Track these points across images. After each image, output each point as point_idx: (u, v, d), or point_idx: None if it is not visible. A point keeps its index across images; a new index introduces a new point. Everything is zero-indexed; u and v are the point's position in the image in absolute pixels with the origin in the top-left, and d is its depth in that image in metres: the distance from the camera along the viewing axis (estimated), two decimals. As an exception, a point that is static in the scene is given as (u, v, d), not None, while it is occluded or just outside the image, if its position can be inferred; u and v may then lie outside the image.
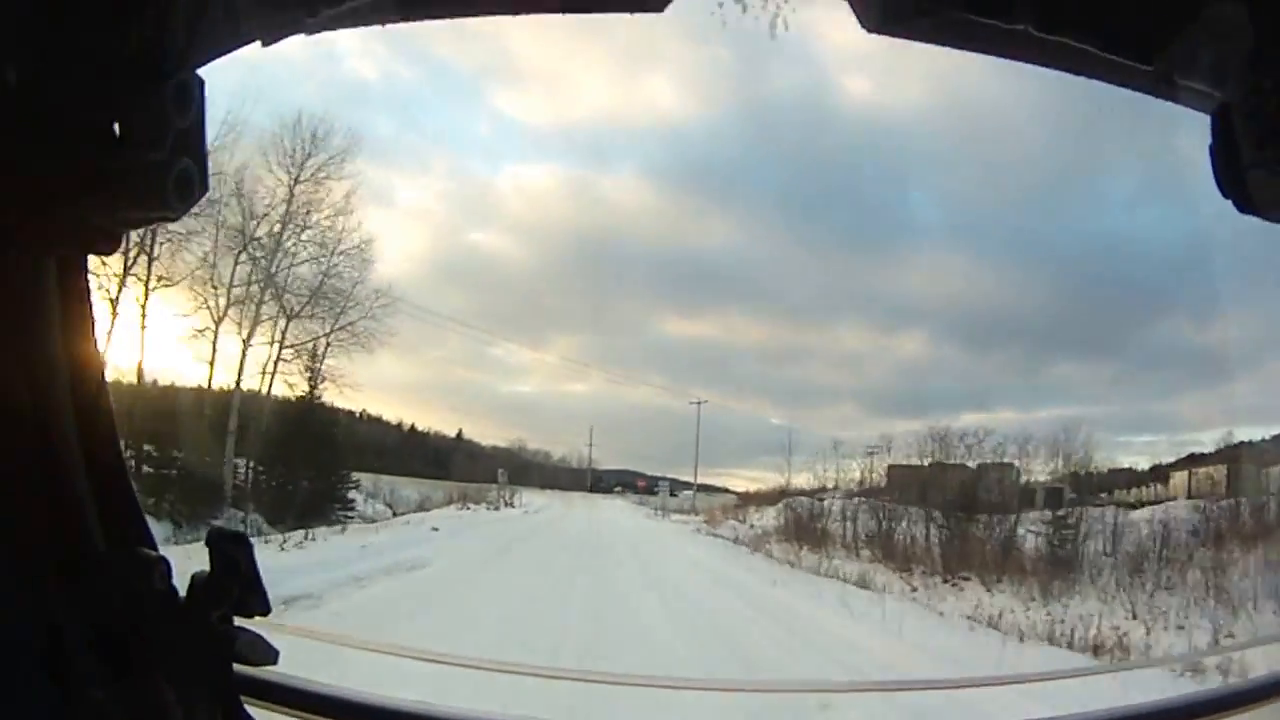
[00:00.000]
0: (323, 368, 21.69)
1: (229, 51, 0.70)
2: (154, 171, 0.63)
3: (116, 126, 0.62)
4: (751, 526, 26.80)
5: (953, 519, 16.91)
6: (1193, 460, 17.17)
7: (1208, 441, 16.23)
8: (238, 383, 20.00)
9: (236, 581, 0.77)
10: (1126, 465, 19.45)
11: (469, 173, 26.13)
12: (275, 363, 22.64)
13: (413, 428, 27.25)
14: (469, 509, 25.66)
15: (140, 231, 12.56)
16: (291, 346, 22.78)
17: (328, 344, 21.99)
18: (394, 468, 25.06)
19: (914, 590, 14.06)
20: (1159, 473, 18.67)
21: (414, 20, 0.90)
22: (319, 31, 0.75)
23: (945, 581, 14.74)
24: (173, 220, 0.72)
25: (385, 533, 17.29)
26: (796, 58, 20.71)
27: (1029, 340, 21.79)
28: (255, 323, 20.69)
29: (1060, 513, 16.43)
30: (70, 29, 0.60)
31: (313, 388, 21.24)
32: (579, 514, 28.35)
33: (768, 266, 25.31)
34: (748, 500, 29.26)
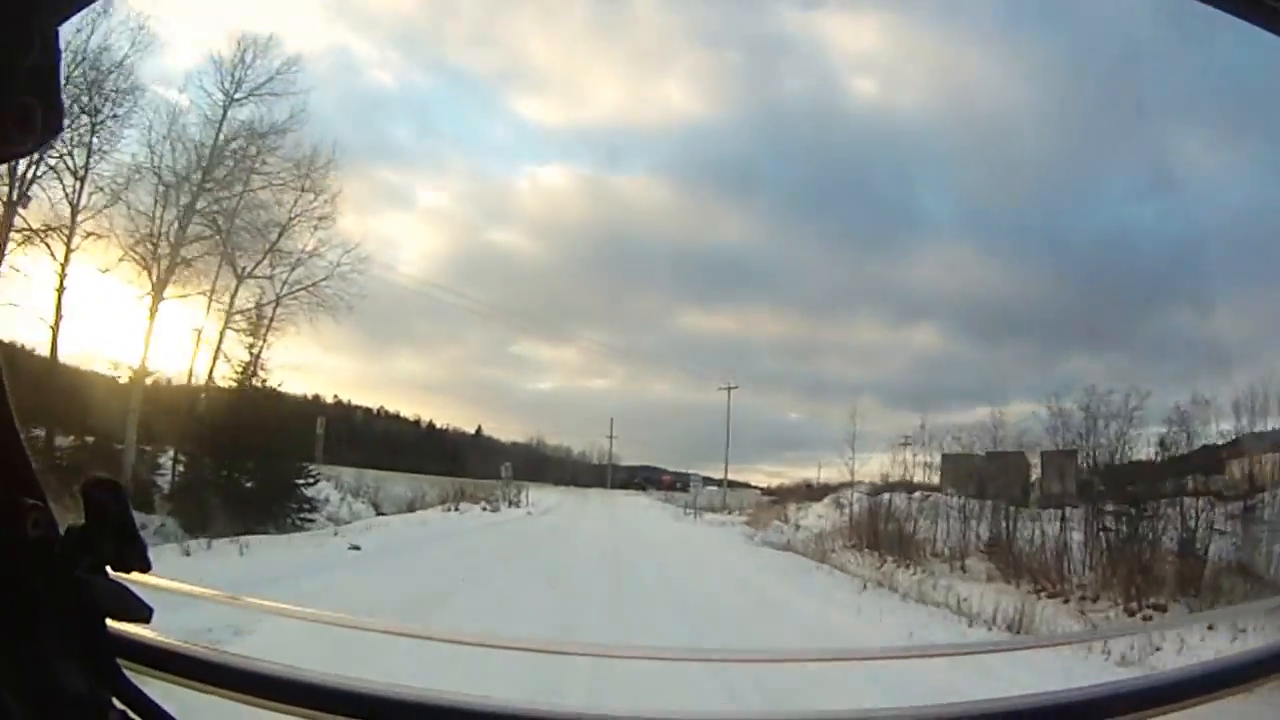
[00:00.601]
0: (270, 338, 17.44)
1: (83, 6, 0.75)
2: None
3: None
4: (798, 527, 22.66)
5: (1115, 517, 11.86)
6: (1207, 451, 15.67)
7: (1213, 435, 14.78)
8: (144, 355, 15.76)
9: (110, 533, 0.74)
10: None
11: (487, 174, 26.01)
12: (222, 335, 18.43)
13: (431, 425, 27.14)
14: (457, 510, 21.29)
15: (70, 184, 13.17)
16: (240, 313, 18.58)
17: (276, 306, 17.71)
18: (405, 464, 24.49)
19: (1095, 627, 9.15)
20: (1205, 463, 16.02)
21: None
22: None
23: (1131, 613, 9.81)
24: (25, 154, 0.77)
25: (309, 547, 12.88)
26: (806, 58, 21.43)
27: (1040, 333, 21.58)
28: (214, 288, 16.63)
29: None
30: None
31: (255, 359, 16.96)
32: (594, 516, 23.85)
33: (782, 262, 25.64)
34: (783, 496, 26.94)
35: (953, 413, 21.74)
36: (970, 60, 20.77)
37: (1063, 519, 13.42)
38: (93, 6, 0.95)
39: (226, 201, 17.00)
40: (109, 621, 0.77)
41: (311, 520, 17.84)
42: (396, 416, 26.14)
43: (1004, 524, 14.04)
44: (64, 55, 0.73)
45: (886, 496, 20.29)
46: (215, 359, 17.86)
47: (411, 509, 20.72)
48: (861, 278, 24.10)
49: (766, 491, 27.15)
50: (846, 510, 21.91)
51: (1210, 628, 6.98)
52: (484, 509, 22.33)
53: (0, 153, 0.73)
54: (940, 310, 23.31)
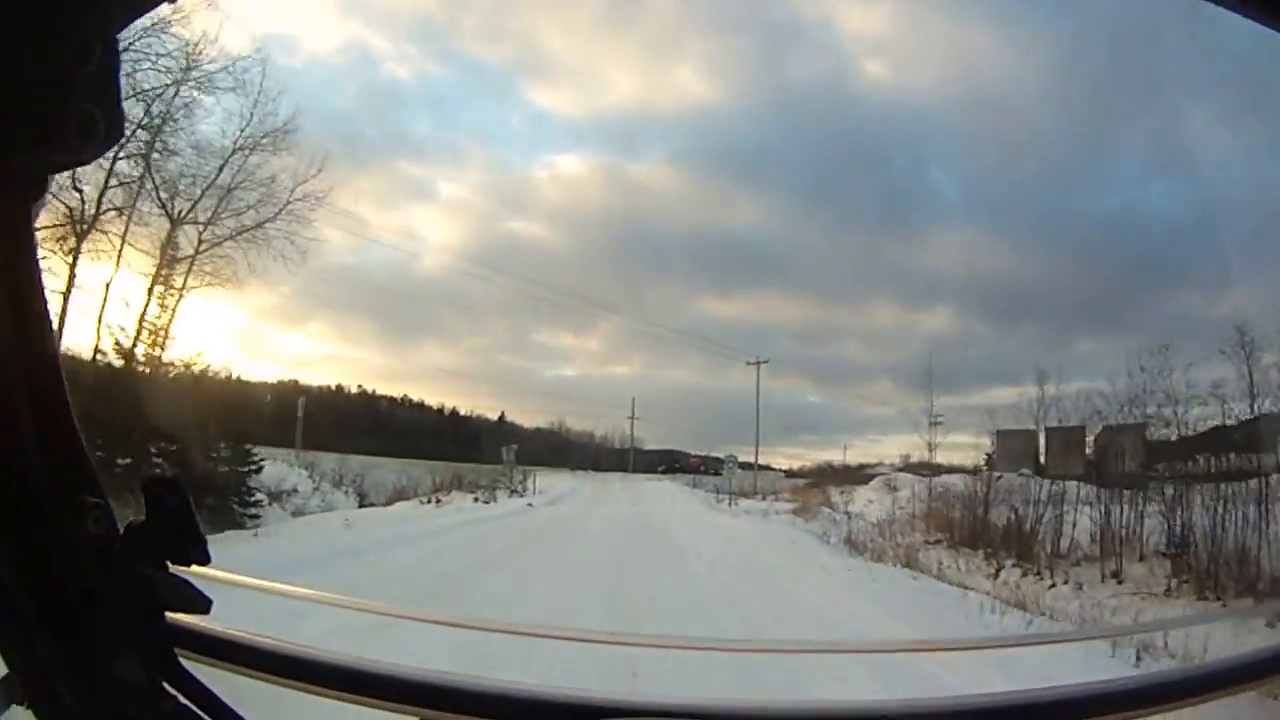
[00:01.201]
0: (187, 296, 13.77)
1: (143, 13, 0.76)
2: (58, 114, 0.67)
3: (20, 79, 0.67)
4: (849, 515, 19.33)
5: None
6: (1220, 430, 14.45)
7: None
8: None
9: (172, 529, 0.76)
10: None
11: (505, 165, 26.47)
12: (150, 293, 14.79)
13: (454, 412, 27.33)
14: (436, 504, 17.61)
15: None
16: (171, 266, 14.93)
17: (198, 249, 14.00)
18: (419, 451, 24.06)
19: None
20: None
21: None
22: None
23: None
24: (84, 162, 0.73)
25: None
26: (818, 42, 22.21)
27: (1052, 315, 21.98)
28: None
29: None
30: None
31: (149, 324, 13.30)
32: (611, 507, 20.10)
33: (798, 247, 25.86)
34: (819, 479, 25.44)
35: (969, 394, 22.02)
36: (982, 42, 20.76)
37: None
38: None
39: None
40: (167, 613, 0.79)
41: (255, 516, 14.35)
42: (420, 405, 26.33)
43: (1178, 513, 9.78)
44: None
45: (951, 479, 18.05)
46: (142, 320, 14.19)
47: (402, 497, 18.52)
48: (876, 261, 24.04)
49: (790, 474, 26.70)
50: (903, 494, 19.54)
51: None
52: (477, 499, 18.65)
53: (62, 162, 0.73)
54: (956, 292, 23.18)
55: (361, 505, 17.10)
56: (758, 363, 23.20)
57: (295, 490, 16.68)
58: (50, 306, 0.77)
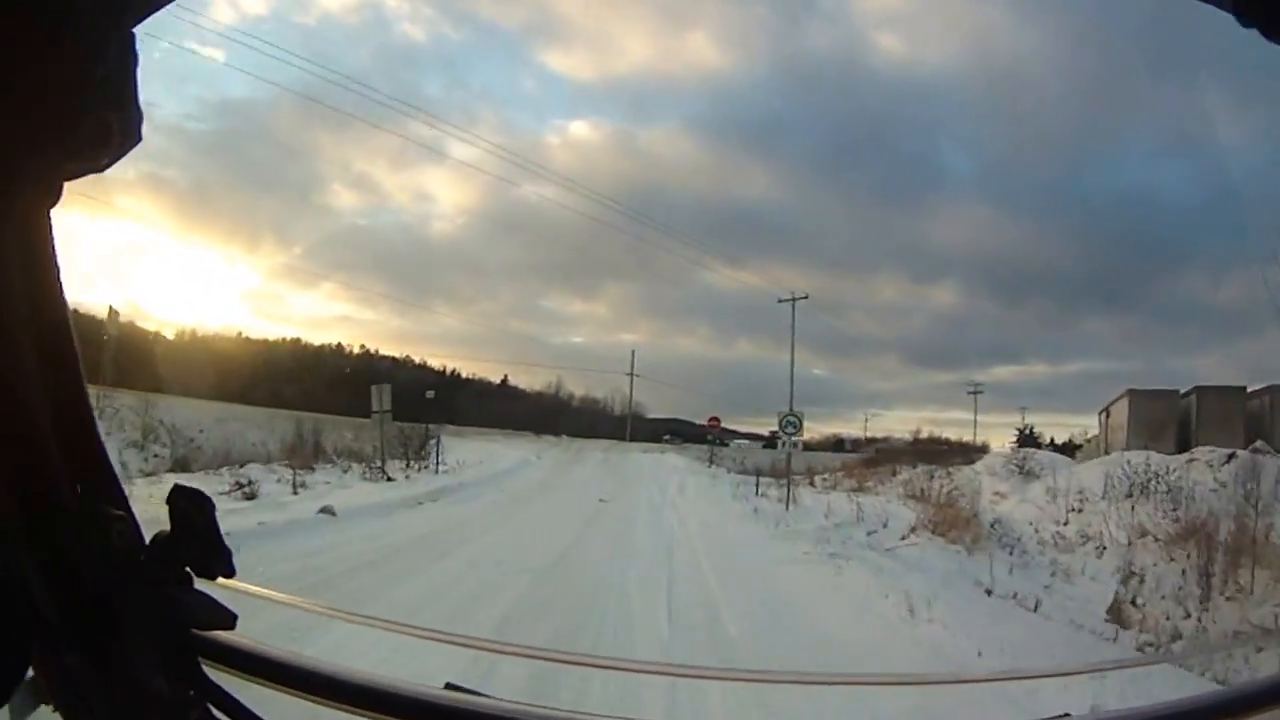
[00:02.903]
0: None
1: (161, 6, 0.73)
2: (71, 120, 0.65)
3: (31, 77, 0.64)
4: (994, 523, 11.44)
5: None
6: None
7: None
8: None
9: (197, 541, 0.76)
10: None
11: (517, 129, 26.93)
12: None
13: (457, 375, 26.12)
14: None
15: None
16: None
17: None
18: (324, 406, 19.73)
19: None
20: None
21: None
22: None
23: None
24: (99, 170, 0.70)
25: None
26: (832, 14, 22.67)
27: (1057, 293, 23.58)
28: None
29: None
30: None
31: None
32: (562, 516, 9.94)
33: (807, 218, 26.62)
34: (883, 458, 21.75)
35: (974, 370, 22.71)
36: (997, 17, 20.56)
37: None
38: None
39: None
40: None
41: None
42: (423, 366, 25.33)
43: None
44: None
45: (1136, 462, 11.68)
46: None
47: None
48: (885, 234, 24.44)
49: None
50: (1069, 487, 12.30)
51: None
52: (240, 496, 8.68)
53: (73, 170, 0.69)
54: (959, 269, 24.63)
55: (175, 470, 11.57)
56: (793, 299, 19.89)
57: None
58: (70, 314, 0.74)
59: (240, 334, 21.34)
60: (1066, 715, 0.83)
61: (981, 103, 22.01)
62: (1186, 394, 15.68)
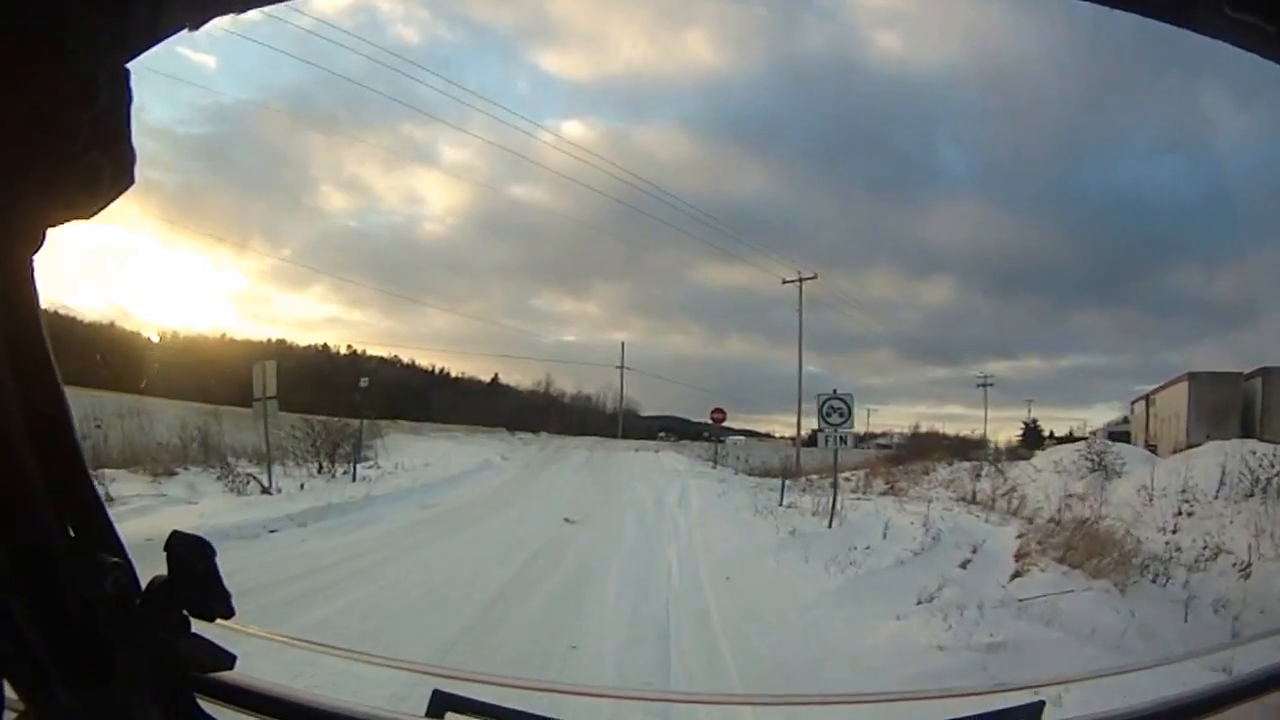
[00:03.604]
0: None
1: (158, 41, 0.70)
2: (58, 166, 0.62)
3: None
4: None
5: None
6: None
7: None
8: None
9: (194, 586, 0.75)
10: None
11: (510, 129, 26.95)
12: None
13: (445, 374, 26.02)
14: None
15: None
16: None
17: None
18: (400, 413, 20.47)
19: None
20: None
21: None
22: (246, 10, 0.78)
23: None
24: (85, 218, 0.67)
25: None
26: (828, 11, 23.14)
27: (1051, 288, 23.38)
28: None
29: None
30: None
31: None
32: (494, 552, 6.58)
33: (801, 214, 25.69)
34: (911, 455, 19.63)
35: (968, 365, 22.82)
36: (993, 15, 20.68)
37: None
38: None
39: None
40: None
41: None
42: (411, 365, 25.04)
43: None
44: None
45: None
46: None
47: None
48: (879, 231, 24.78)
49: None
50: (1157, 480, 10.16)
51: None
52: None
53: (60, 218, 0.66)
54: (954, 264, 24.19)
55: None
56: (800, 279, 19.13)
57: None
58: (54, 359, 0.71)
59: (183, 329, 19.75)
60: (1041, 703, 0.82)
61: (977, 100, 22.26)
62: (1251, 376, 14.38)
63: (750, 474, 17.77)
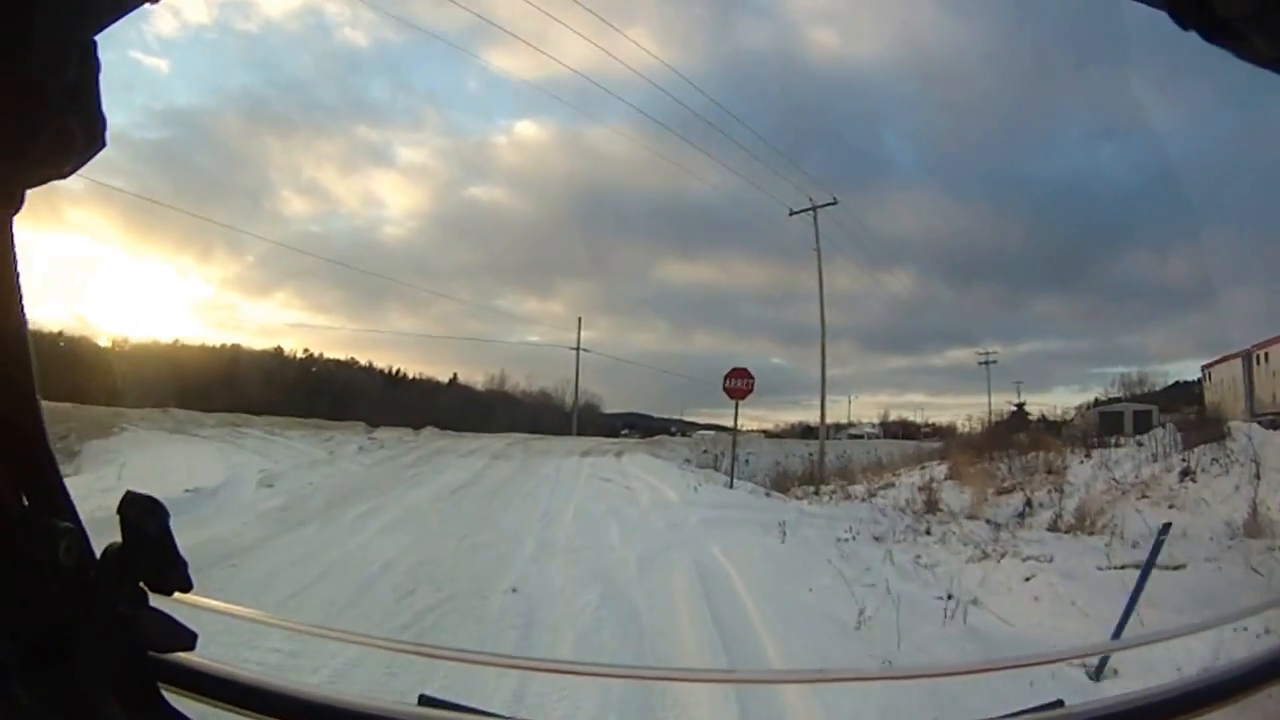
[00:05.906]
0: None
1: (122, 14, 0.72)
2: (30, 128, 0.64)
3: None
4: None
5: None
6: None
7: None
8: None
9: (150, 554, 0.72)
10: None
11: (464, 130, 28.10)
12: None
13: (401, 375, 26.46)
14: None
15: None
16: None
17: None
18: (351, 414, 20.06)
19: None
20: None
21: None
22: None
23: None
24: (62, 176, 0.70)
25: None
26: (764, 11, 25.28)
27: (1007, 276, 21.95)
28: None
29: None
30: None
31: None
32: None
33: (758, 210, 26.01)
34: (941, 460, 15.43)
35: (929, 354, 20.67)
36: (925, 9, 20.48)
37: None
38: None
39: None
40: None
41: None
42: (368, 368, 25.85)
43: None
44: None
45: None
46: None
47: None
48: (834, 223, 21.09)
49: (769, 435, 24.35)
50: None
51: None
52: None
53: (36, 176, 0.68)
54: (911, 256, 24.60)
55: None
56: (814, 207, 18.10)
57: None
58: (26, 320, 0.71)
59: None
60: (1059, 702, 0.78)
61: (914, 91, 22.23)
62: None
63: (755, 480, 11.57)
